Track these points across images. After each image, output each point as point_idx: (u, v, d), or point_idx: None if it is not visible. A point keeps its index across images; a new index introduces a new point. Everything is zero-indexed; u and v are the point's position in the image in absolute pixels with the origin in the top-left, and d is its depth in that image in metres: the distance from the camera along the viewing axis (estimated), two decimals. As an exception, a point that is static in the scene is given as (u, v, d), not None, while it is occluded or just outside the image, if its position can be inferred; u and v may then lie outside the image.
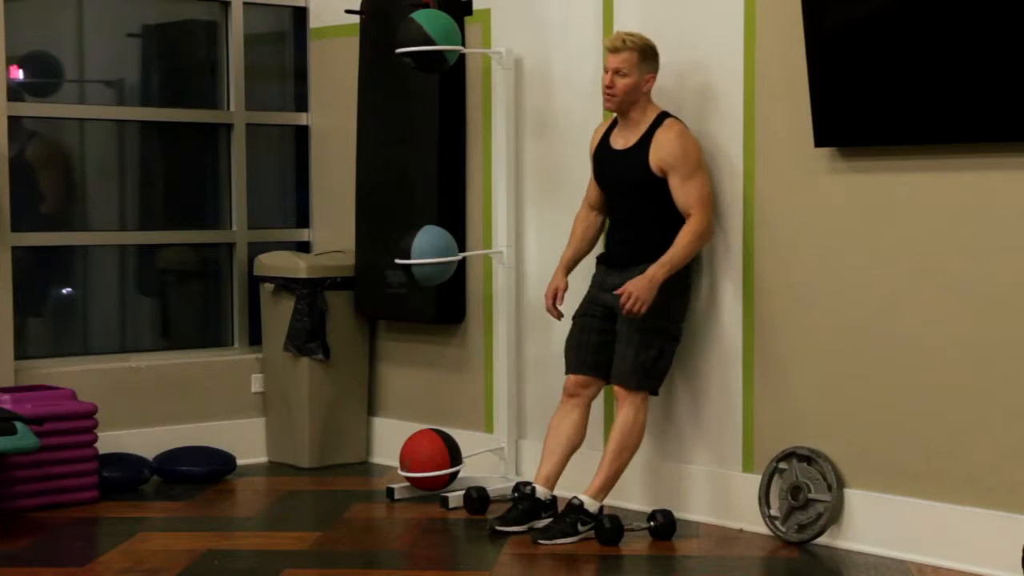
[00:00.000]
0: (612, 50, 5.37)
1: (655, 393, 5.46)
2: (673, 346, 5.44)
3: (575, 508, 5.30)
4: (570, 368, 5.55)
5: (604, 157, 5.54)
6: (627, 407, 5.35)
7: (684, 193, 5.32)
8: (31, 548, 5.28)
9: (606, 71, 5.39)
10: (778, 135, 5.33)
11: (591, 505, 5.31)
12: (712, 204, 5.38)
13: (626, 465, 5.38)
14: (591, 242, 5.69)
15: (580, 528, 5.28)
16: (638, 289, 5.24)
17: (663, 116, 5.44)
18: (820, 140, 5.13)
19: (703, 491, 5.60)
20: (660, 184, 5.37)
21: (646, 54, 5.37)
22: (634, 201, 5.45)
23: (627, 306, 5.24)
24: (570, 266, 5.68)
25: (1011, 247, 4.74)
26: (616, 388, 5.40)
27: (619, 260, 5.47)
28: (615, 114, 5.52)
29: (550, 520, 5.39)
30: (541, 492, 5.46)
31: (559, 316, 5.65)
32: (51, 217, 6.70)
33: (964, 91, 4.75)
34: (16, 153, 6.38)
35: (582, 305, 5.60)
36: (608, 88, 5.39)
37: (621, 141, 5.49)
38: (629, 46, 5.34)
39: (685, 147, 5.35)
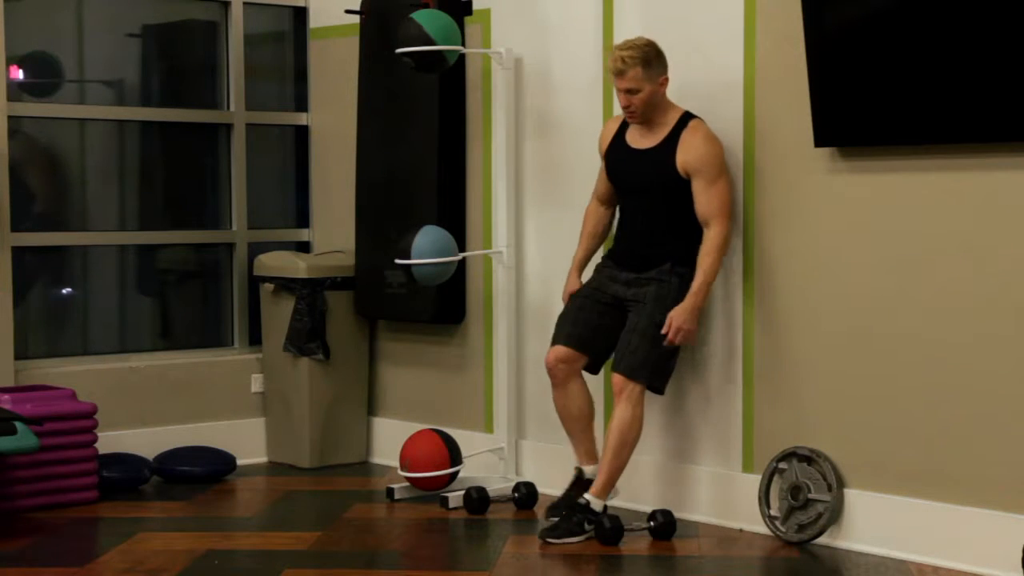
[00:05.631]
0: (617, 73, 5.27)
1: (661, 392, 5.44)
2: (679, 346, 5.43)
3: (582, 507, 5.31)
4: (558, 339, 5.50)
5: (622, 155, 5.48)
6: (624, 402, 5.32)
7: (707, 200, 5.27)
8: (31, 548, 5.28)
9: (618, 91, 5.31)
10: (778, 135, 5.33)
11: (596, 504, 5.32)
12: (731, 212, 5.34)
13: (627, 461, 5.37)
14: (601, 238, 5.67)
15: (587, 527, 5.29)
16: (683, 321, 5.25)
17: (688, 116, 5.39)
18: (820, 140, 5.13)
19: (703, 491, 5.60)
20: (682, 186, 5.32)
21: (650, 61, 5.28)
22: (652, 202, 5.41)
23: (674, 339, 5.25)
24: (583, 266, 5.66)
25: (1011, 247, 4.74)
26: (617, 378, 5.34)
27: (632, 264, 5.43)
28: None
29: (557, 519, 5.38)
30: (590, 471, 5.51)
31: None
32: (51, 217, 6.70)
33: (964, 91, 4.75)
34: (16, 153, 6.38)
35: (586, 287, 5.56)
36: (627, 107, 5.32)
37: (643, 140, 5.42)
38: (631, 64, 5.24)
39: (712, 151, 5.31)
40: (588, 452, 5.55)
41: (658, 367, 5.35)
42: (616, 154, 5.50)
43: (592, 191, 5.67)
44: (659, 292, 5.34)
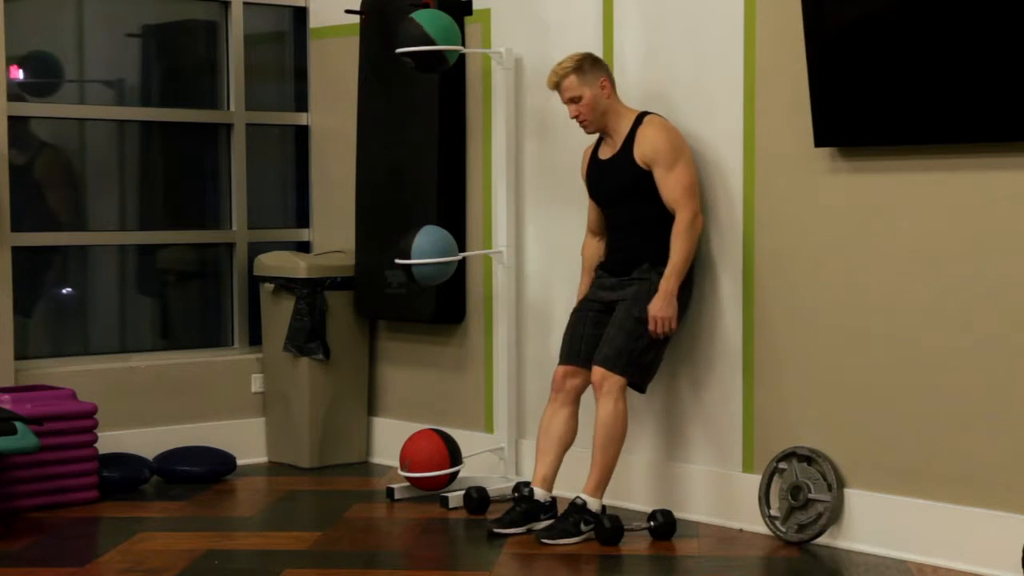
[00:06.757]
0: (554, 88, 5.46)
1: (642, 390, 5.45)
2: (663, 342, 5.43)
3: (578, 508, 5.30)
4: (561, 358, 5.55)
5: (595, 170, 5.58)
6: (605, 397, 5.31)
7: (668, 185, 5.35)
8: (31, 548, 5.28)
9: (567, 107, 5.46)
10: (778, 135, 5.33)
11: (593, 504, 5.31)
12: (697, 192, 5.38)
13: (616, 456, 5.36)
14: None
15: (583, 528, 5.29)
16: (658, 309, 5.29)
17: (642, 115, 5.47)
18: (820, 140, 5.13)
19: (703, 491, 5.60)
20: (648, 182, 5.39)
21: (583, 67, 5.41)
22: (628, 207, 5.47)
23: (657, 331, 5.29)
24: None
25: (1011, 247, 4.74)
26: (595, 371, 5.35)
27: (617, 268, 5.50)
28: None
29: (552, 520, 5.39)
30: (540, 494, 5.46)
31: None
32: (51, 217, 6.70)
33: (964, 91, 4.75)
34: (16, 153, 6.38)
35: (580, 302, 5.61)
36: (576, 118, 5.46)
37: (608, 151, 5.52)
38: (563, 74, 5.41)
39: (665, 138, 5.38)
40: (546, 477, 5.49)
41: (635, 360, 5.35)
42: (592, 171, 5.61)
43: (587, 223, 5.70)
44: (639, 290, 5.39)
